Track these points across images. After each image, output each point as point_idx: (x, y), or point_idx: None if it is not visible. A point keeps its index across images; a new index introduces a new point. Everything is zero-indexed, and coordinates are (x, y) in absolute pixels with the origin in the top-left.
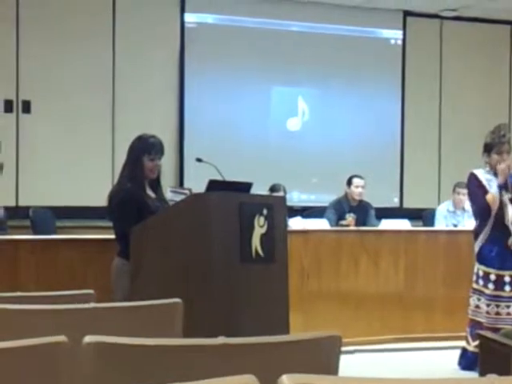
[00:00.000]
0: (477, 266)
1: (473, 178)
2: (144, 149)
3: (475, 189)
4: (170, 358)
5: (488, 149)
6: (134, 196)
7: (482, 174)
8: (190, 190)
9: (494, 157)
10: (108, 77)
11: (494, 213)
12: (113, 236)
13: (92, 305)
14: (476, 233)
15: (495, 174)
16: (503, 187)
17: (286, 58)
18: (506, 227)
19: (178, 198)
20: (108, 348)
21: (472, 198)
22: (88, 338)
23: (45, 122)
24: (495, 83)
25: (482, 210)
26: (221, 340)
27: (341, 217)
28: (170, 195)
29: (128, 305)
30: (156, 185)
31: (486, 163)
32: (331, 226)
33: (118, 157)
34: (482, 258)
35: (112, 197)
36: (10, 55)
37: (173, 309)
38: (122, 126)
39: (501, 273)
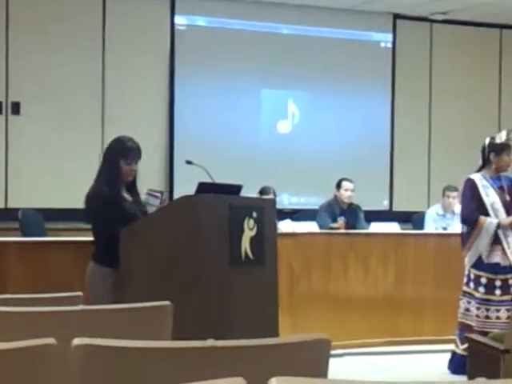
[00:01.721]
0: (468, 268)
1: (470, 184)
2: (121, 153)
3: (469, 197)
4: (159, 360)
5: (499, 150)
6: (113, 200)
7: (479, 181)
8: (162, 192)
9: (505, 158)
10: (97, 79)
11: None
12: None
13: (81, 307)
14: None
15: (491, 177)
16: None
17: (276, 60)
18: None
19: (152, 200)
20: (97, 350)
21: (463, 205)
22: (77, 341)
23: (34, 123)
24: (485, 86)
25: (465, 220)
26: (210, 343)
27: (333, 220)
28: (145, 197)
29: (117, 307)
30: (132, 188)
31: (491, 163)
32: (325, 229)
33: None
34: (474, 261)
35: (90, 200)
36: (0, 57)
37: (162, 311)
38: (112, 127)
39: (492, 277)
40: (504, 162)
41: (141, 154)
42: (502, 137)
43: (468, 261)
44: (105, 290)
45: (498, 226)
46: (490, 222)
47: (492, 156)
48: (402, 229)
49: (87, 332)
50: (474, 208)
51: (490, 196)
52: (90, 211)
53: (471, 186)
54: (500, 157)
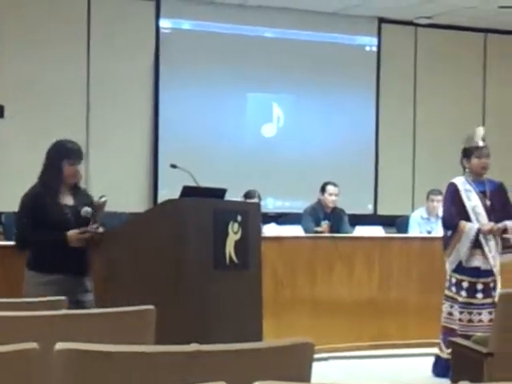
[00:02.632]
0: (449, 273)
1: (452, 188)
2: (64, 154)
3: (450, 201)
4: (142, 364)
5: (468, 153)
6: (36, 201)
7: (462, 185)
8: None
9: (475, 161)
10: (82, 82)
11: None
12: None
13: (63, 311)
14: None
15: (474, 181)
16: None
17: (261, 64)
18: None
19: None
20: (80, 355)
21: (444, 209)
22: (59, 345)
23: (18, 126)
24: (469, 90)
25: (445, 224)
26: (193, 347)
27: (316, 224)
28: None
29: (100, 311)
30: (76, 190)
31: (466, 168)
32: (309, 233)
33: (92, 162)
34: (455, 266)
35: (20, 201)
36: None
37: (145, 315)
38: (97, 130)
39: (474, 280)
40: (475, 165)
41: (82, 155)
42: (469, 140)
43: (449, 265)
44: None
45: (479, 231)
46: (470, 227)
47: (464, 161)
48: (386, 232)
49: (70, 336)
50: (454, 212)
51: (472, 200)
52: (18, 210)
53: (453, 190)
54: (470, 161)
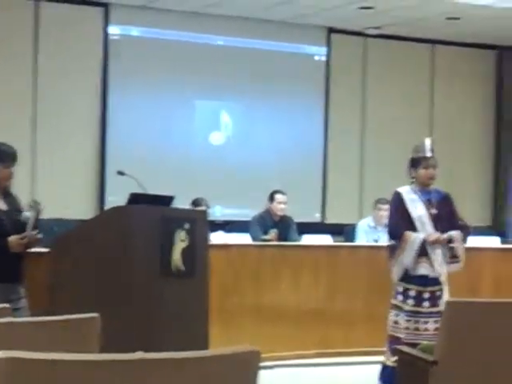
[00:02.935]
0: (396, 281)
1: (397, 197)
2: None
3: (394, 211)
4: (86, 373)
5: (415, 164)
6: None
7: (407, 194)
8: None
9: (422, 171)
10: (29, 88)
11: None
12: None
13: (7, 319)
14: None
15: (420, 190)
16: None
17: (210, 72)
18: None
19: (30, 211)
20: (23, 363)
21: (389, 218)
22: (2, 354)
23: None
24: (417, 101)
25: (391, 234)
26: (138, 355)
27: (265, 232)
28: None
29: (44, 319)
30: (8, 194)
31: (413, 178)
32: (257, 241)
33: (39, 169)
34: (401, 275)
35: None
36: None
37: (90, 323)
38: (44, 137)
39: (421, 289)
40: (422, 175)
41: (17, 158)
42: (416, 150)
43: (395, 274)
44: None
45: (424, 240)
46: (415, 237)
47: (411, 171)
48: (333, 241)
49: (13, 345)
50: (399, 222)
51: (418, 209)
52: None
53: (397, 200)
54: (417, 171)
